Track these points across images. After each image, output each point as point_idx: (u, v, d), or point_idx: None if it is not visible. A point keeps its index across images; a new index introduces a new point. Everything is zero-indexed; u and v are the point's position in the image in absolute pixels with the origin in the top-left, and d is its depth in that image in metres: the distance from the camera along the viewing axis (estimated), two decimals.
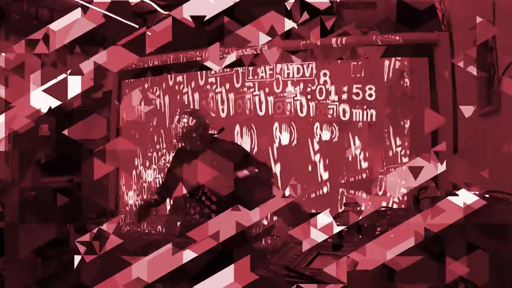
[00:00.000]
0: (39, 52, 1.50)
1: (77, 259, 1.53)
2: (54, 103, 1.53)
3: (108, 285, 1.34)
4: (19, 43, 1.61)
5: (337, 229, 1.50)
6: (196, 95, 4.01)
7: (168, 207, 3.41)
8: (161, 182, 3.76)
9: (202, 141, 2.77)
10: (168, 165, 3.53)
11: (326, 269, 1.29)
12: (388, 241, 1.30)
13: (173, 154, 3.17)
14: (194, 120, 2.78)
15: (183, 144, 2.89)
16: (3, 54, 1.62)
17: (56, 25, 1.50)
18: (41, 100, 1.54)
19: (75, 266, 1.53)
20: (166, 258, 1.37)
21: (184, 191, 2.81)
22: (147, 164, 4.23)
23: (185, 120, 2.78)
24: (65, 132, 1.66)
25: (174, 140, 3.00)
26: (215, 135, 2.87)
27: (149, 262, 1.37)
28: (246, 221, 1.44)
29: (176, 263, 1.37)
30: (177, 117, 2.82)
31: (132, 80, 4.35)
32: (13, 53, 1.61)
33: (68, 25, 1.49)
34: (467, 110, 2.36)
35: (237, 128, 3.81)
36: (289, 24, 1.53)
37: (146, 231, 2.88)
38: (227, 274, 1.27)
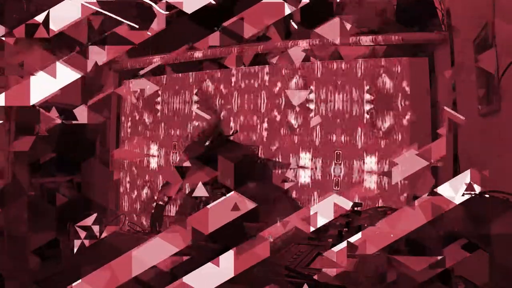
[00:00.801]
0: (39, 36, 1.49)
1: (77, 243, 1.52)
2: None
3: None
4: (19, 27, 1.59)
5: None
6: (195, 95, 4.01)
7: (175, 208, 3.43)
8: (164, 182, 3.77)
9: (218, 143, 2.81)
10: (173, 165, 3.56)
11: (326, 254, 1.30)
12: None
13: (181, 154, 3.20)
14: (210, 124, 2.82)
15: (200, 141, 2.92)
16: (3, 38, 1.61)
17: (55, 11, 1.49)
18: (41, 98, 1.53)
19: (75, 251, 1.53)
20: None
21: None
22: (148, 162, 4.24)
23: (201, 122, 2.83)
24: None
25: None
26: (229, 137, 2.92)
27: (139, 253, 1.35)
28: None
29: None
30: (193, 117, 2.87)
31: (132, 80, 4.36)
32: (13, 37, 1.60)
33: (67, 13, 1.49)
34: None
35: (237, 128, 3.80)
36: (288, 10, 1.51)
37: (147, 231, 2.89)
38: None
